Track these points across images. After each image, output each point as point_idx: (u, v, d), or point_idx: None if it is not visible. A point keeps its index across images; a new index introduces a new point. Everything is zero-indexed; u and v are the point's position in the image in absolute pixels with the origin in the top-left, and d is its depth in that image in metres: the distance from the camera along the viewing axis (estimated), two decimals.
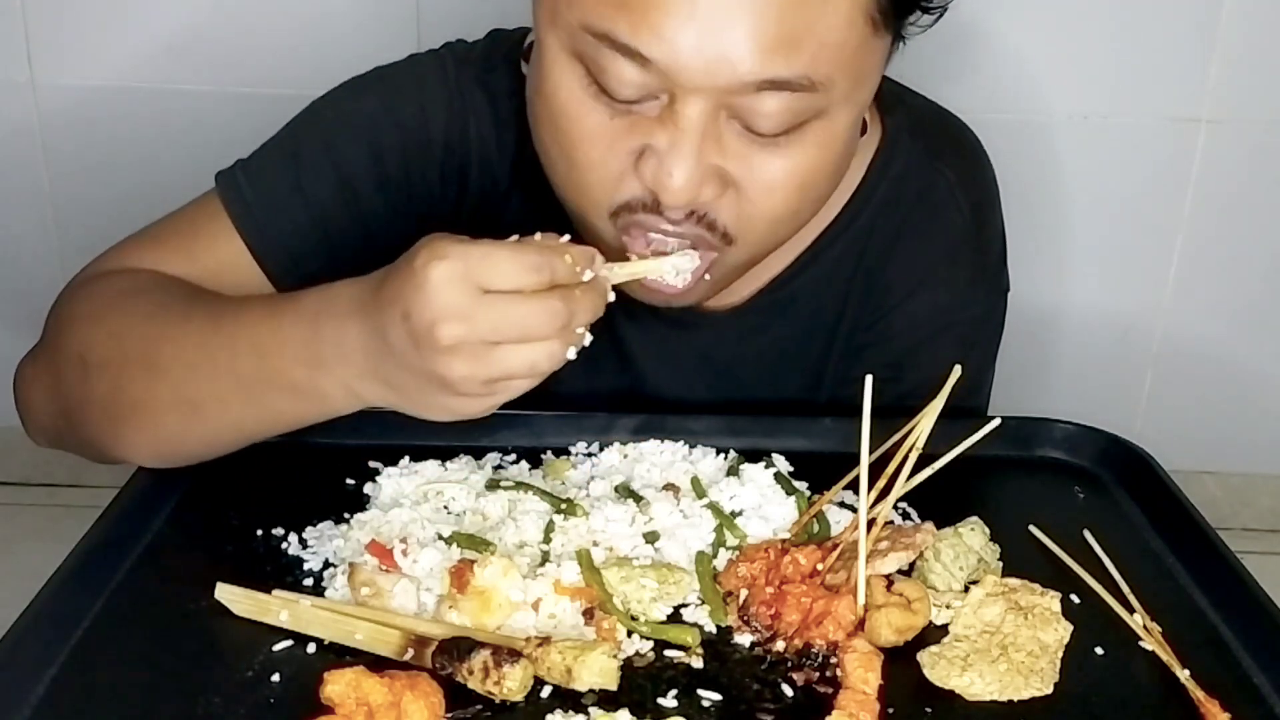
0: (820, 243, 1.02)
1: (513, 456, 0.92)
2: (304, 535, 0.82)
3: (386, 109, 0.98)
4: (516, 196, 1.01)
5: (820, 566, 0.78)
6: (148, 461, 0.88)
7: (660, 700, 0.68)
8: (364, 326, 0.75)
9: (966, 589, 0.78)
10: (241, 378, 0.82)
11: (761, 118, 0.79)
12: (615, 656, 0.69)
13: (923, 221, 1.04)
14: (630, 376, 1.07)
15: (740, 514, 0.84)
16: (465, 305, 0.71)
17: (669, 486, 0.86)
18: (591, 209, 0.85)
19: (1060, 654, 0.73)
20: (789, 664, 0.72)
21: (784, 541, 0.81)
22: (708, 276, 0.87)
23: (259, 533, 0.82)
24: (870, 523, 0.77)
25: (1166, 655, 0.73)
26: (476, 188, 1.01)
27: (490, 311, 0.71)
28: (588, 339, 0.76)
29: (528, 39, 0.91)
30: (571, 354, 0.75)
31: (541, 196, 0.97)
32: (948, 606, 0.76)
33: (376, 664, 0.67)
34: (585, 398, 1.04)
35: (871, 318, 1.05)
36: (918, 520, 0.85)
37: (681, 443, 0.92)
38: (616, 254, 0.85)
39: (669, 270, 0.83)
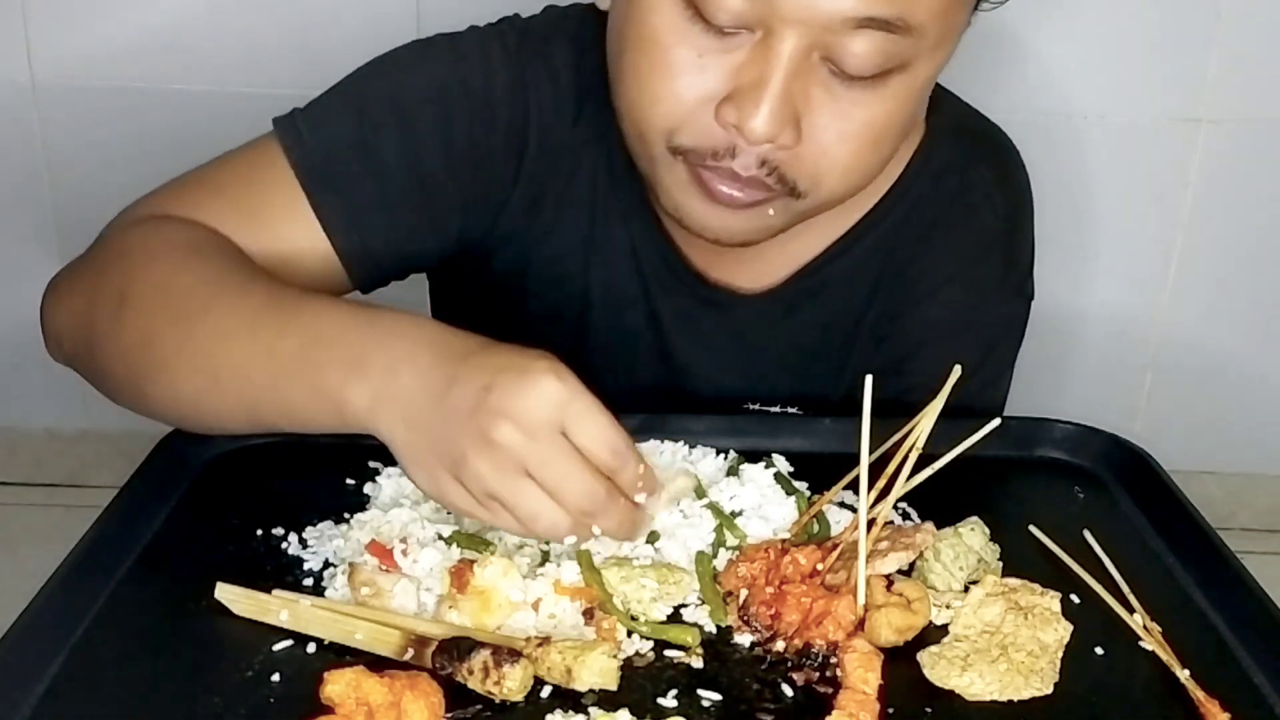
0: (856, 230, 1.02)
1: None
2: (304, 535, 0.82)
3: (456, 75, 0.98)
4: (575, 169, 1.02)
5: (820, 566, 0.78)
6: (150, 415, 0.88)
7: (660, 700, 0.68)
8: (435, 366, 0.75)
9: (966, 589, 0.78)
10: (276, 358, 0.81)
11: (853, 57, 0.80)
12: (615, 656, 0.69)
13: (957, 220, 1.04)
14: (662, 353, 1.07)
15: (740, 514, 0.84)
16: (539, 427, 0.72)
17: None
18: (653, 137, 0.86)
19: (1060, 654, 0.73)
20: (789, 664, 0.72)
21: (784, 541, 0.81)
22: (771, 212, 0.88)
23: (259, 533, 0.82)
24: (870, 523, 0.77)
25: (1166, 655, 0.73)
26: (534, 160, 1.01)
27: (551, 448, 0.72)
28: (590, 543, 0.77)
29: None
30: (568, 541, 0.75)
31: (598, 171, 1.00)
32: (948, 606, 0.76)
33: (376, 664, 0.67)
34: (617, 373, 1.05)
35: (898, 309, 1.06)
36: (918, 520, 0.85)
37: (681, 443, 0.92)
38: (677, 185, 0.87)
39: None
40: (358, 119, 0.96)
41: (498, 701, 0.67)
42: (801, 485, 0.87)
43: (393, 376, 0.76)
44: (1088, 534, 0.84)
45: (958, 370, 0.77)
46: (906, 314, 1.06)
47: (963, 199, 1.04)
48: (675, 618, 0.76)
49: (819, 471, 0.88)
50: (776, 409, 1.07)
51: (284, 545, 0.81)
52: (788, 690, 0.70)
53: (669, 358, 1.07)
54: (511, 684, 0.66)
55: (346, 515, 0.83)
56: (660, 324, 1.06)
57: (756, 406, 1.08)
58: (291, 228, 0.95)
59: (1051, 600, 0.76)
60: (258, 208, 0.94)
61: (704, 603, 0.76)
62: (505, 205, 1.02)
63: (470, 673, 0.67)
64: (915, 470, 0.77)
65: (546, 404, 0.72)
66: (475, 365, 0.74)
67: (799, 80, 0.81)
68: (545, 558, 0.79)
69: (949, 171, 1.01)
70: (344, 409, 0.79)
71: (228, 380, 0.83)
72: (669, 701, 0.68)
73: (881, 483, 0.77)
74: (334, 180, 0.95)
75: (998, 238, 1.07)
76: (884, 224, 1.03)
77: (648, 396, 1.07)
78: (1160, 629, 0.75)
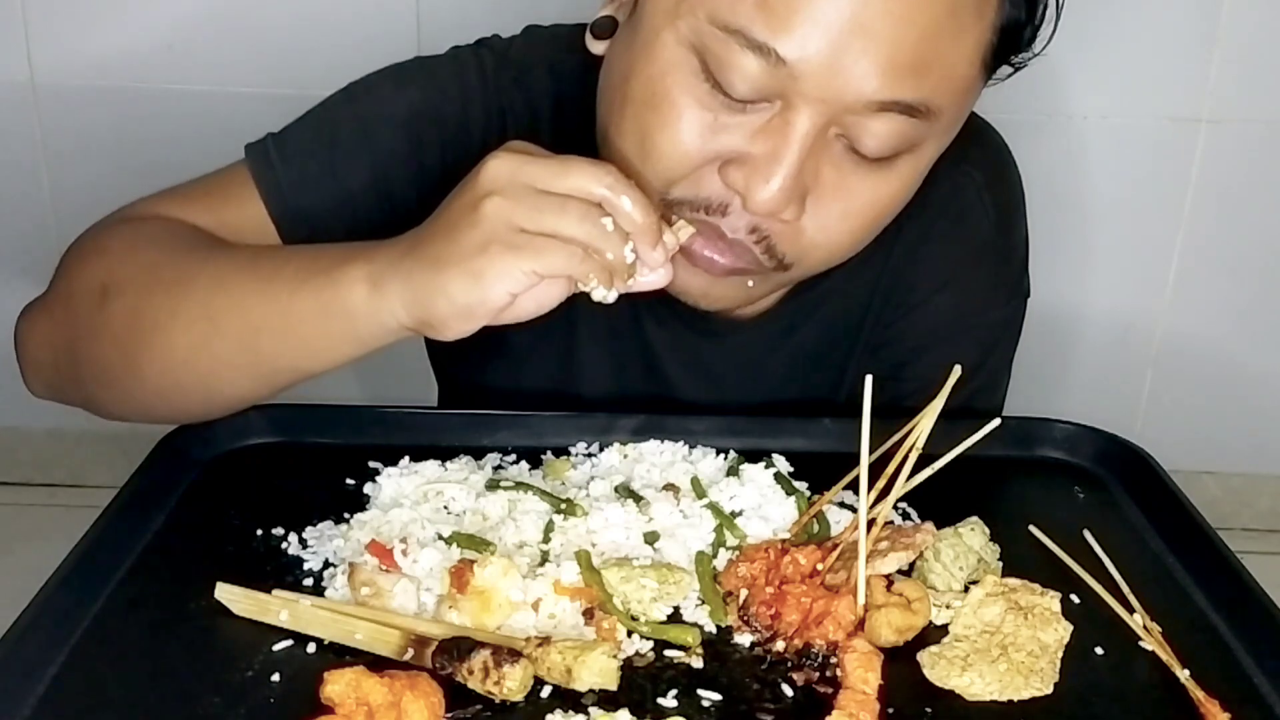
0: None
1: (513, 456, 0.92)
2: (304, 535, 0.82)
3: (429, 102, 0.97)
4: None
5: (820, 566, 0.78)
6: (147, 402, 0.87)
7: (660, 700, 0.68)
8: (422, 227, 0.77)
9: (966, 589, 0.78)
10: (276, 284, 0.81)
11: (871, 138, 0.79)
12: (615, 656, 0.69)
13: (949, 223, 1.04)
14: (658, 384, 1.07)
15: (740, 514, 0.84)
16: (517, 159, 0.73)
17: (669, 486, 0.86)
18: (650, 184, 0.84)
19: (1060, 654, 0.73)
20: (789, 664, 0.72)
21: (784, 541, 0.81)
22: (750, 284, 0.88)
23: (259, 533, 0.82)
24: (870, 523, 0.77)
25: (1166, 655, 0.73)
26: None
27: (544, 158, 0.74)
28: (630, 255, 0.76)
29: (598, 13, 0.90)
30: (593, 283, 0.75)
31: None
32: (948, 606, 0.76)
33: (376, 664, 0.67)
34: (607, 393, 1.05)
35: (895, 316, 1.06)
36: (918, 520, 0.85)
37: (681, 443, 0.92)
38: None
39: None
40: (326, 145, 0.96)
41: (498, 701, 0.67)
42: (801, 485, 0.87)
43: (386, 247, 0.78)
44: (1088, 534, 0.84)
45: (957, 370, 0.77)
46: (903, 320, 1.06)
47: (954, 202, 1.04)
48: (675, 618, 0.76)
49: (819, 471, 0.88)
50: None
51: (284, 545, 0.81)
52: (788, 690, 0.70)
53: (664, 387, 1.07)
54: (511, 684, 0.66)
55: (346, 515, 0.83)
56: (652, 353, 1.05)
57: None
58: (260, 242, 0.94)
59: (1051, 600, 0.76)
60: (229, 225, 0.94)
61: (704, 603, 0.76)
62: None
63: (470, 673, 0.67)
64: (915, 470, 0.77)
65: (507, 168, 0.74)
66: (445, 212, 0.76)
67: (812, 158, 0.80)
68: (545, 558, 0.79)
69: (939, 175, 1.01)
70: (349, 298, 0.77)
71: (226, 320, 0.82)
72: (669, 701, 0.68)
73: (881, 483, 0.77)
74: (302, 211, 0.95)
75: (991, 240, 1.06)
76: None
77: (638, 425, 1.07)
78: (1160, 629, 0.75)
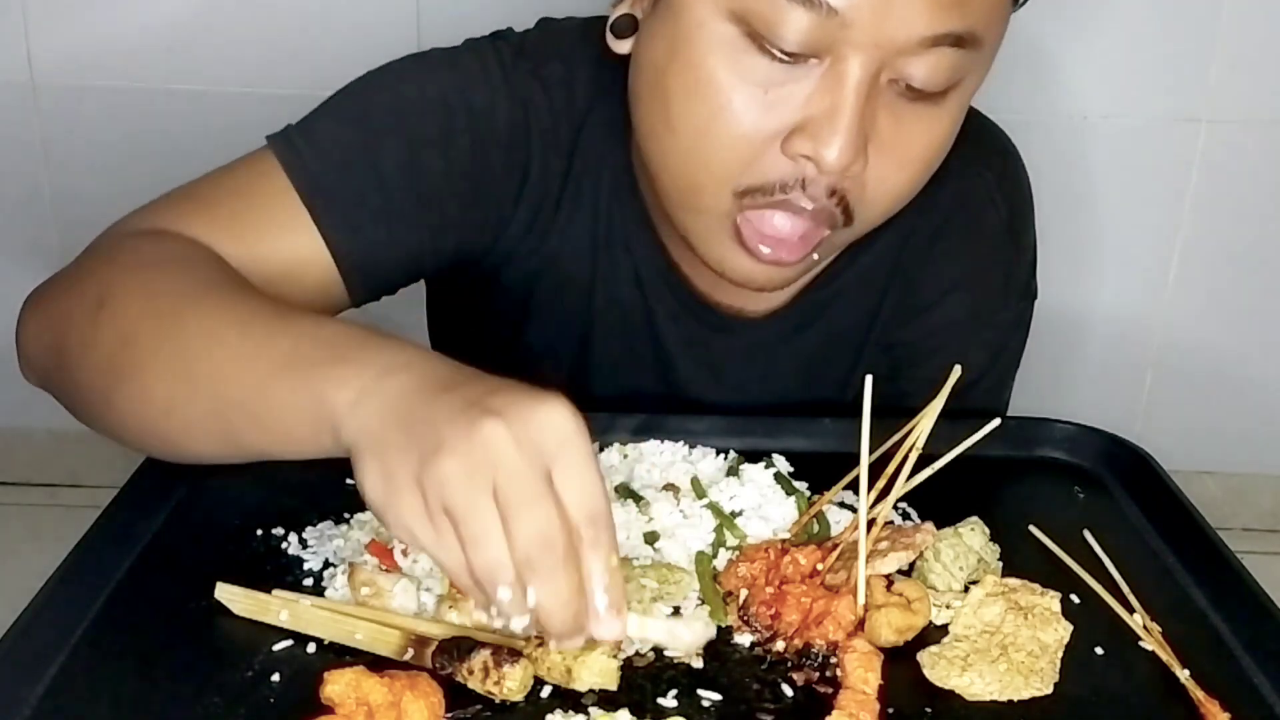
0: (861, 243, 1.02)
1: None
2: (304, 535, 0.82)
3: (458, 90, 0.96)
4: (577, 195, 1.00)
5: (820, 566, 0.78)
6: (112, 430, 0.83)
7: (660, 700, 0.68)
8: (435, 374, 0.68)
9: (966, 589, 0.78)
10: (262, 358, 0.75)
11: (924, 75, 0.79)
12: (615, 656, 0.69)
13: (962, 223, 1.04)
14: (668, 379, 1.07)
15: (740, 514, 0.84)
16: (530, 443, 0.62)
17: (669, 486, 0.86)
18: (714, 185, 0.83)
19: (1060, 654, 0.73)
20: (789, 664, 0.72)
21: (784, 541, 0.81)
22: (815, 256, 0.87)
23: (259, 533, 0.82)
24: (870, 523, 0.77)
25: (1166, 655, 0.73)
26: (535, 182, 0.99)
27: (529, 471, 0.62)
28: (515, 625, 0.64)
29: (614, 14, 0.89)
30: (490, 617, 0.64)
31: (599, 196, 0.98)
32: (948, 606, 0.76)
33: (376, 664, 0.67)
34: (619, 394, 1.05)
35: (905, 316, 1.06)
36: (918, 520, 0.85)
37: (681, 443, 0.92)
38: (723, 237, 0.85)
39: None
40: (358, 129, 0.94)
41: (498, 701, 0.67)
42: (801, 485, 0.87)
43: (386, 377, 0.69)
44: (1088, 534, 0.84)
45: (957, 370, 0.77)
46: (915, 321, 1.06)
47: (966, 204, 1.04)
48: (675, 618, 0.75)
49: (819, 471, 0.88)
50: None
51: (284, 545, 0.81)
52: (788, 690, 0.70)
53: (673, 383, 1.07)
54: (511, 684, 0.66)
55: (346, 515, 0.83)
56: (664, 349, 1.05)
57: None
58: (290, 240, 0.92)
59: (1051, 600, 0.76)
60: (255, 221, 0.92)
61: (704, 603, 0.76)
62: (507, 225, 1.00)
63: (470, 673, 0.67)
64: (915, 470, 0.77)
65: (548, 426, 0.63)
66: (483, 380, 0.67)
67: (869, 105, 0.79)
68: None
69: (951, 175, 1.01)
70: (323, 406, 0.70)
71: (204, 381, 0.77)
72: (669, 701, 0.68)
73: (881, 483, 0.77)
74: (335, 191, 0.93)
75: (1002, 241, 1.07)
76: (888, 231, 1.02)
77: (637, 408, 1.07)
78: (1160, 629, 0.75)
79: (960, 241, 1.05)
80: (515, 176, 0.99)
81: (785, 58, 0.78)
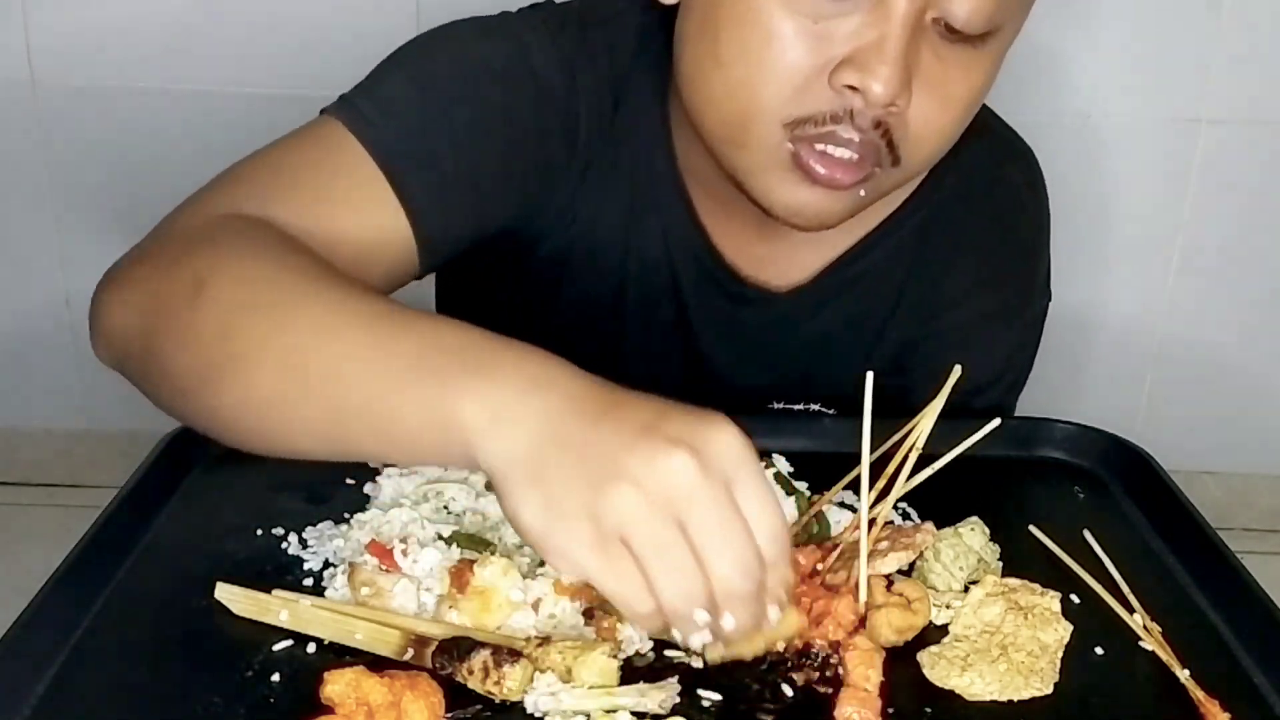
0: (887, 225, 1.02)
1: None
2: (304, 535, 0.82)
3: (518, 54, 0.96)
4: (615, 161, 1.00)
5: (820, 566, 0.78)
6: (207, 423, 0.80)
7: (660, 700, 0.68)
8: (584, 392, 0.65)
9: (966, 589, 0.78)
10: (387, 359, 0.70)
11: (966, 14, 0.81)
12: (615, 656, 0.69)
13: (991, 219, 1.05)
14: (689, 348, 1.07)
15: None
16: (716, 469, 0.62)
17: None
18: (764, 115, 0.84)
19: (1060, 654, 0.73)
20: (789, 664, 0.72)
21: None
22: (863, 193, 0.88)
23: (259, 533, 0.82)
24: (870, 522, 0.77)
25: (1166, 655, 0.73)
26: (583, 148, 0.99)
27: (720, 498, 0.61)
28: (698, 641, 0.64)
29: None
30: (694, 625, 0.63)
31: (637, 163, 0.99)
32: (948, 606, 0.76)
33: (376, 664, 0.67)
34: (646, 372, 1.04)
35: (931, 311, 1.06)
36: (918, 520, 0.85)
37: None
38: (774, 168, 0.86)
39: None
40: (428, 94, 0.92)
41: (498, 701, 0.67)
42: (801, 485, 0.87)
43: (529, 395, 0.65)
44: (1088, 534, 0.84)
45: (958, 370, 0.77)
46: (938, 317, 1.06)
47: (994, 200, 1.05)
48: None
49: (819, 471, 0.88)
50: (800, 407, 1.07)
51: (284, 545, 0.81)
52: (788, 690, 0.70)
53: (696, 353, 1.07)
54: (511, 684, 0.66)
55: (346, 515, 0.83)
56: (689, 320, 1.06)
57: (780, 405, 1.07)
58: (373, 213, 0.89)
59: (1051, 600, 0.76)
60: (339, 198, 0.88)
61: None
62: (555, 191, 0.99)
63: (470, 673, 0.67)
64: (915, 470, 0.77)
65: (726, 450, 0.62)
66: (641, 401, 0.65)
67: (913, 42, 0.81)
68: None
69: (978, 169, 1.01)
70: (455, 421, 0.66)
71: (318, 380, 0.72)
72: (669, 701, 0.68)
73: (881, 483, 0.77)
74: (413, 157, 0.90)
75: (1029, 239, 1.08)
76: (914, 219, 1.03)
77: (674, 392, 1.06)
78: (1160, 629, 0.75)
79: (988, 240, 1.05)
80: (568, 142, 0.98)
81: None
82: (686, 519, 0.61)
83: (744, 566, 0.62)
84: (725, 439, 0.63)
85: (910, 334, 1.07)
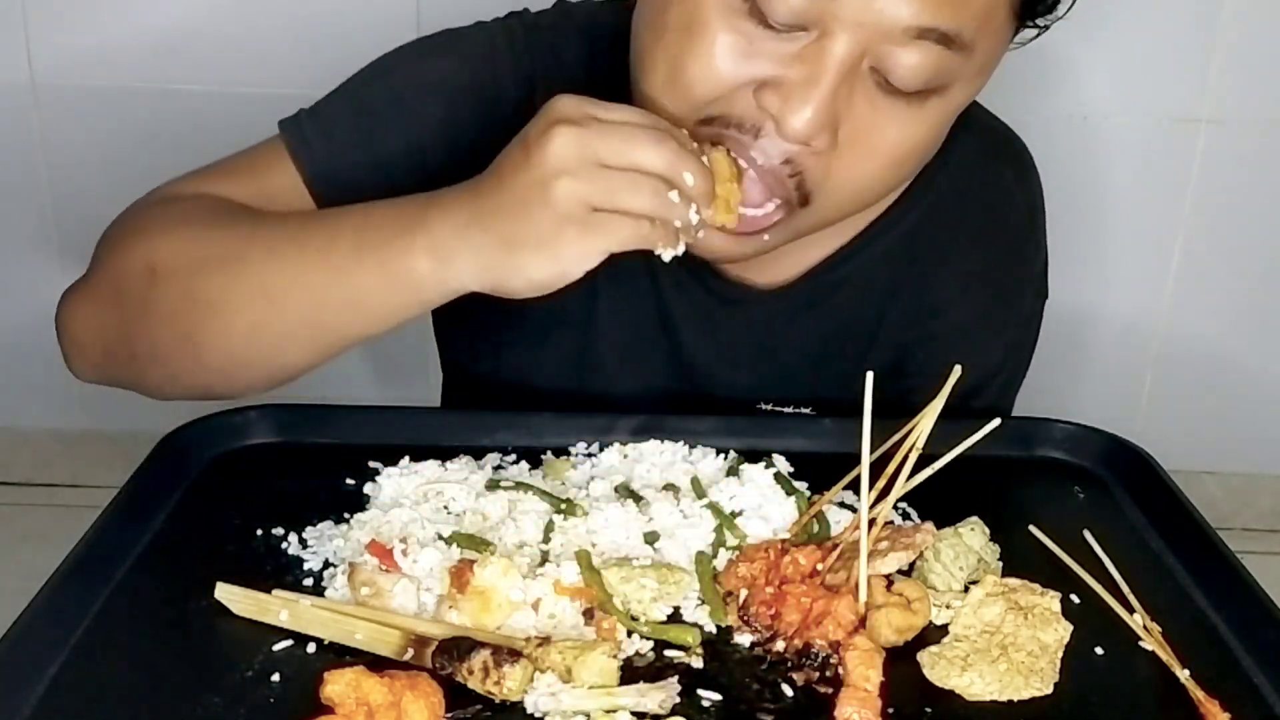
0: (875, 227, 1.02)
1: (513, 456, 0.92)
2: (304, 535, 0.82)
3: (460, 70, 0.98)
4: None
5: (820, 566, 0.78)
6: (207, 378, 0.87)
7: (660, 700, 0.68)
8: (473, 185, 0.78)
9: (966, 589, 0.78)
10: (334, 252, 0.81)
11: (903, 69, 0.79)
12: (615, 656, 0.69)
13: (982, 218, 1.04)
14: (675, 357, 1.06)
15: (740, 514, 0.84)
16: (582, 118, 0.74)
17: (669, 487, 0.86)
18: (684, 107, 0.84)
19: (1060, 654, 0.73)
20: (789, 664, 0.72)
21: (784, 541, 0.81)
22: (766, 237, 0.87)
23: (259, 533, 0.82)
24: (870, 522, 0.77)
25: (1166, 655, 0.73)
26: None
27: (606, 128, 0.74)
28: (695, 217, 0.77)
29: None
30: (689, 217, 0.76)
31: None
32: (948, 606, 0.76)
33: (376, 664, 0.67)
34: (629, 376, 1.04)
35: (922, 313, 1.06)
36: (918, 520, 0.85)
37: (681, 443, 0.92)
38: None
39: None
40: (361, 117, 0.96)
41: (498, 701, 0.67)
42: (801, 485, 0.87)
43: (448, 211, 0.78)
44: (1088, 534, 0.84)
45: (958, 370, 0.77)
46: (934, 317, 1.05)
47: (984, 198, 1.04)
48: (675, 618, 0.76)
49: (819, 471, 0.88)
50: (789, 410, 1.06)
51: (284, 545, 0.81)
52: (788, 690, 0.70)
53: (681, 356, 1.06)
54: (511, 684, 0.66)
55: (346, 515, 0.83)
56: (672, 321, 1.05)
57: (769, 407, 1.07)
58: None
59: (1051, 600, 0.76)
60: (266, 199, 0.94)
61: (704, 603, 0.76)
62: None
63: (470, 673, 0.67)
64: (915, 470, 0.77)
65: (574, 102, 0.76)
66: (504, 155, 0.78)
67: (845, 86, 0.80)
68: (545, 558, 0.79)
69: (969, 169, 1.00)
70: (410, 275, 0.78)
71: (285, 294, 0.82)
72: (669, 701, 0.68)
73: (881, 483, 0.77)
74: (341, 183, 0.94)
75: (1020, 238, 1.07)
76: (904, 221, 1.02)
77: (658, 395, 1.06)
78: (1160, 629, 0.75)
79: (979, 238, 1.05)
80: None
81: (775, 26, 0.79)
82: (602, 158, 0.74)
83: (656, 139, 0.75)
84: (565, 143, 0.74)
85: (903, 337, 1.06)
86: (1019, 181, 1.07)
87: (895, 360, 1.05)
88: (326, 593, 0.76)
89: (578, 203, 0.74)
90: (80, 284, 0.94)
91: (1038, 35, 0.86)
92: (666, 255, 0.79)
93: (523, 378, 1.05)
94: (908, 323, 1.06)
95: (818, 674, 0.71)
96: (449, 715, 0.66)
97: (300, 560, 0.80)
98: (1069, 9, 0.86)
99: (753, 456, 0.90)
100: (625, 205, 0.74)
